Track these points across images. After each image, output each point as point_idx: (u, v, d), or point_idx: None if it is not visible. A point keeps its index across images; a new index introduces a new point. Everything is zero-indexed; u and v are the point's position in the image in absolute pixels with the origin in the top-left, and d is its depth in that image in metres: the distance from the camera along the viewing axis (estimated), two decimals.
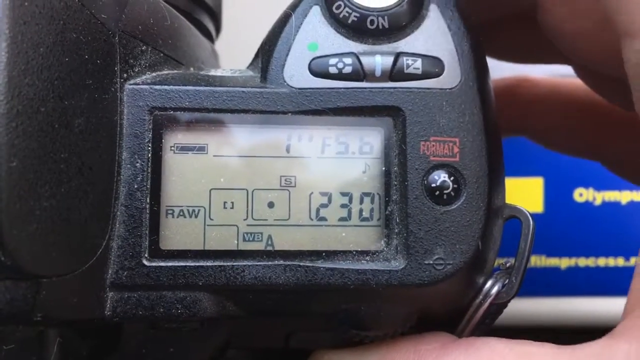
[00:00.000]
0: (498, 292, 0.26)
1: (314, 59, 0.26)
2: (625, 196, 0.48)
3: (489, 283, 0.26)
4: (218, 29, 0.37)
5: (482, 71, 0.26)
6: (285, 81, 0.26)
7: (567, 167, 0.48)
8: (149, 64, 0.26)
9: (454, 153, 0.25)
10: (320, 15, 0.26)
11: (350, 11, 0.26)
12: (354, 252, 0.25)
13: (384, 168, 0.26)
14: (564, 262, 0.49)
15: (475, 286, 0.26)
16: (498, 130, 0.27)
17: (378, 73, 0.26)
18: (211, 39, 0.35)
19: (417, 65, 0.26)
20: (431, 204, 0.25)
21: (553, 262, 0.49)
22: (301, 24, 0.26)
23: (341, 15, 0.26)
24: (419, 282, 0.24)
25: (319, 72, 0.26)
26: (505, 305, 0.27)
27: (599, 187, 0.48)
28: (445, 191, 0.25)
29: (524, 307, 0.48)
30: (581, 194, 0.49)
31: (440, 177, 0.25)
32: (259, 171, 0.25)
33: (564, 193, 0.49)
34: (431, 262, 0.25)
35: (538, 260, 0.48)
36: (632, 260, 0.48)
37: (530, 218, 0.27)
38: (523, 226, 0.27)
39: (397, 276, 0.24)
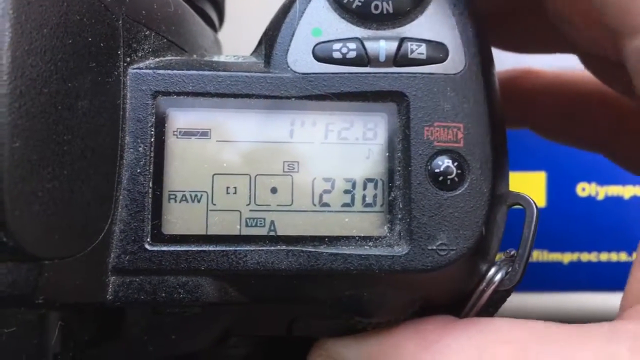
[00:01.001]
0: (501, 279, 0.26)
1: (317, 44, 0.26)
2: (628, 191, 0.48)
3: (493, 270, 0.26)
4: (221, 18, 0.37)
5: (486, 57, 0.26)
6: (288, 66, 0.25)
7: (569, 162, 0.48)
8: (152, 49, 0.26)
9: (458, 139, 0.25)
10: (324, 1, 0.26)
11: None
12: (357, 238, 0.25)
13: (387, 154, 0.25)
14: (567, 257, 0.49)
15: (479, 273, 0.26)
16: (502, 117, 0.27)
17: (382, 58, 0.25)
18: (214, 28, 0.35)
19: (421, 50, 0.26)
20: (435, 189, 0.25)
21: (555, 257, 0.49)
22: (305, 9, 0.26)
23: (345, 1, 0.26)
24: (422, 268, 0.24)
25: (322, 57, 0.26)
26: (508, 293, 0.27)
27: (602, 182, 0.48)
28: (449, 177, 0.25)
29: (525, 302, 0.48)
30: (584, 189, 0.49)
31: (444, 162, 0.25)
32: (262, 156, 0.25)
33: (567, 187, 0.49)
34: (434, 247, 0.24)
35: (540, 255, 0.48)
36: (635, 255, 0.48)
37: (534, 205, 0.27)
38: (527, 214, 0.26)
39: (400, 261, 0.24)
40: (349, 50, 0.25)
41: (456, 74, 0.26)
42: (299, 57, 0.26)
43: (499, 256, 0.27)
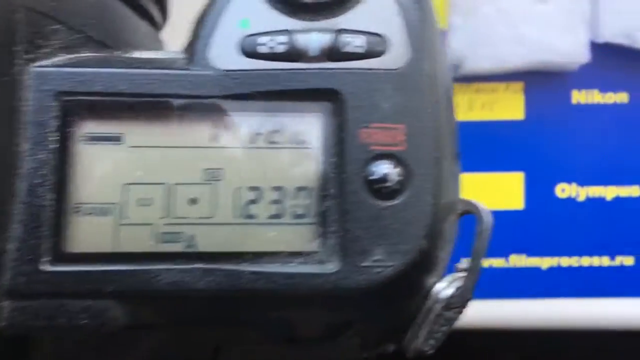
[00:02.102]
0: (451, 296, 0.24)
1: (244, 37, 0.23)
2: (610, 192, 0.46)
3: (440, 285, 0.24)
4: (165, 15, 0.34)
5: (434, 49, 0.24)
6: (210, 62, 0.23)
7: (549, 161, 0.46)
8: (64, 45, 0.23)
9: (398, 141, 0.22)
10: None
11: None
12: (285, 254, 0.22)
13: (321, 159, 0.23)
14: (546, 262, 0.46)
15: (424, 289, 0.23)
16: (452, 116, 0.25)
17: (314, 52, 0.23)
18: (155, 24, 0.32)
19: (358, 43, 0.23)
20: (371, 198, 0.22)
21: (534, 261, 0.46)
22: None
23: None
24: (354, 287, 0.22)
25: (249, 52, 0.23)
26: (460, 310, 0.24)
27: (583, 182, 0.46)
28: (388, 184, 0.22)
29: (503, 310, 0.46)
30: (563, 190, 0.46)
31: (383, 168, 0.22)
32: (180, 163, 0.23)
33: (546, 189, 0.46)
34: (369, 263, 0.22)
35: (518, 260, 0.46)
36: (618, 260, 0.46)
37: (487, 213, 0.24)
38: (478, 223, 0.24)
39: (331, 280, 0.22)
40: (278, 43, 0.23)
41: (398, 68, 0.23)
42: (223, 52, 0.23)
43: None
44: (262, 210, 0.23)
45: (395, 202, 0.22)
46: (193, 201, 0.23)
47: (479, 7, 0.41)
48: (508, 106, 0.45)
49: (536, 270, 0.46)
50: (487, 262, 0.43)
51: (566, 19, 0.41)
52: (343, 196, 0.22)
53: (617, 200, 0.46)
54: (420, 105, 0.23)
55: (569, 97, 0.45)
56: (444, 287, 0.24)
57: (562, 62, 0.41)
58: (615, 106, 0.45)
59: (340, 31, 0.23)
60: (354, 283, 0.22)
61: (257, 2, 0.23)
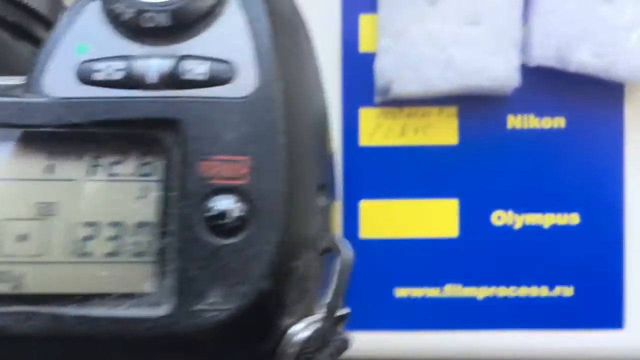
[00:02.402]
0: (307, 339, 0.22)
1: (81, 63, 0.22)
2: (548, 219, 0.44)
3: (296, 328, 0.22)
4: None
5: (288, 73, 0.22)
6: (45, 90, 0.21)
7: (484, 188, 0.44)
8: None
9: (242, 174, 0.21)
10: (99, 12, 0.22)
11: (126, 6, 0.22)
12: (116, 295, 0.21)
13: (162, 193, 0.21)
14: (482, 292, 0.44)
15: (277, 332, 0.22)
16: (322, 145, 0.23)
17: (154, 79, 0.21)
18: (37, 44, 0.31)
19: (201, 70, 0.21)
20: (210, 236, 0.21)
21: (469, 292, 0.44)
22: (74, 22, 0.22)
23: (117, 11, 0.22)
24: (185, 332, 0.20)
25: (85, 78, 0.22)
26: (319, 351, 0.22)
27: (519, 210, 0.44)
28: (228, 221, 0.21)
29: (436, 343, 0.44)
30: (500, 217, 0.44)
31: (223, 204, 0.21)
32: (10, 197, 0.21)
33: (481, 216, 0.44)
34: (204, 307, 0.20)
35: (453, 291, 0.44)
36: (557, 290, 0.44)
37: (346, 249, 0.22)
38: (336, 259, 0.22)
39: (160, 324, 0.20)
40: (115, 70, 0.21)
41: (245, 97, 0.21)
42: (59, 79, 0.22)
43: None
44: (98, 248, 0.21)
45: (236, 239, 0.21)
46: (23, 238, 0.21)
47: (407, 29, 0.40)
48: (441, 131, 0.43)
49: (472, 300, 0.44)
50: (422, 292, 0.42)
51: (497, 42, 0.40)
52: (181, 233, 0.21)
53: (555, 228, 0.44)
54: (269, 135, 0.21)
55: (504, 122, 0.43)
56: (301, 329, 0.22)
57: (492, 86, 0.39)
58: (552, 131, 0.43)
59: (183, 57, 0.22)
60: (184, 328, 0.20)
61: (99, 26, 0.22)
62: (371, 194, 0.43)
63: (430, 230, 0.44)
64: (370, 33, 0.43)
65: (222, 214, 0.21)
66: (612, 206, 0.43)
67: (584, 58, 0.41)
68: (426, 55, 0.41)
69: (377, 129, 0.43)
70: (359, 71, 0.43)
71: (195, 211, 0.21)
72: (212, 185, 0.21)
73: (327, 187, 0.23)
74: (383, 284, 0.43)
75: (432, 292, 0.44)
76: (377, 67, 0.41)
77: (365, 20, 0.43)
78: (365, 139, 0.43)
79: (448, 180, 0.44)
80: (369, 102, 0.42)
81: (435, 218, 0.44)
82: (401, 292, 0.43)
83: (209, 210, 0.21)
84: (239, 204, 0.21)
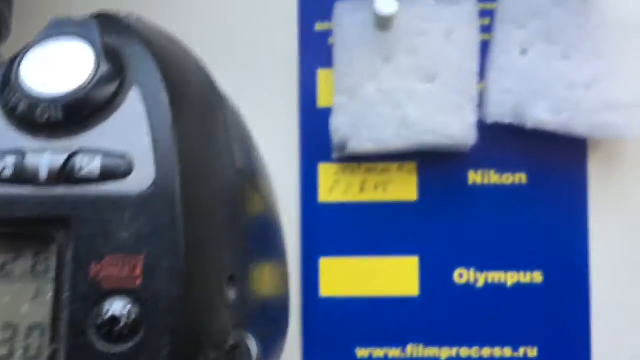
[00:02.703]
0: None
1: None
2: (511, 277, 0.43)
3: None
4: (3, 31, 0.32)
5: (190, 165, 0.21)
6: None
7: (445, 245, 0.43)
8: None
9: (134, 276, 0.20)
10: None
11: (19, 98, 0.21)
12: None
13: (55, 295, 0.20)
14: (444, 353, 0.43)
15: None
16: (233, 235, 0.22)
17: (44, 176, 0.21)
18: None
19: (94, 165, 0.21)
20: (100, 342, 0.20)
21: (431, 352, 0.43)
22: None
23: (11, 104, 0.21)
24: None
25: None
26: None
27: (482, 267, 0.43)
28: (118, 326, 0.20)
29: None
30: (461, 275, 0.43)
31: (114, 308, 0.20)
32: None
33: (443, 274, 0.43)
34: None
35: (415, 351, 0.43)
36: (521, 351, 0.43)
37: (255, 347, 0.21)
38: (246, 357, 0.21)
39: None
40: (6, 166, 0.21)
41: (140, 193, 0.21)
42: None
43: None
44: None
45: (127, 345, 0.20)
46: None
47: (361, 86, 0.39)
48: (401, 187, 0.42)
49: None
50: (383, 352, 0.41)
51: (452, 98, 0.39)
52: (70, 338, 0.20)
53: (519, 286, 0.43)
54: (164, 232, 0.20)
55: (465, 177, 0.42)
56: None
57: (448, 144, 0.39)
58: (513, 187, 0.42)
59: (76, 153, 0.21)
60: None
61: None
62: (331, 251, 0.42)
63: (390, 289, 0.43)
64: (328, 88, 0.42)
65: (113, 319, 0.20)
66: (576, 264, 0.42)
67: (541, 115, 0.40)
68: (381, 113, 0.40)
69: (336, 185, 0.42)
70: (317, 126, 0.42)
71: (86, 316, 0.20)
72: (103, 289, 0.20)
73: (236, 279, 0.22)
74: (344, 344, 0.42)
75: (393, 352, 0.42)
76: (333, 124, 0.40)
77: (323, 75, 0.42)
78: (324, 195, 0.42)
79: (408, 236, 0.43)
80: (327, 157, 0.42)
81: (395, 276, 0.43)
82: (362, 352, 0.42)
83: (100, 315, 0.20)
84: (131, 307, 0.20)
